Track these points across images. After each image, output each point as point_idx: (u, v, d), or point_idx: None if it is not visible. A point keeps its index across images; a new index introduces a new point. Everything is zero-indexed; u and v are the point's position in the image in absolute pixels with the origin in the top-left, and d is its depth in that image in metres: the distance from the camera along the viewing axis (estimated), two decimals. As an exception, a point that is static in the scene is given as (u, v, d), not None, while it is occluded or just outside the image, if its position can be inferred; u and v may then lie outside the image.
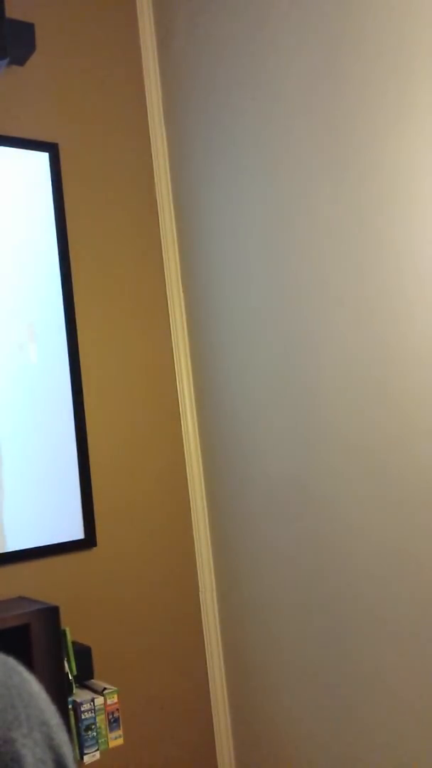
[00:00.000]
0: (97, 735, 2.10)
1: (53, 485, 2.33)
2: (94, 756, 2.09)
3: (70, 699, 2.08)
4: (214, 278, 2.53)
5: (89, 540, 2.38)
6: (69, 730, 2.05)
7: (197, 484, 2.62)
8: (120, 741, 2.15)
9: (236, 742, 2.53)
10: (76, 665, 2.15)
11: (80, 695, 2.12)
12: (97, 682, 2.20)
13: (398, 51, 1.85)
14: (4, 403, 2.29)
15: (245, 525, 2.45)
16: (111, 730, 2.12)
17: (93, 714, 2.09)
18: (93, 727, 2.09)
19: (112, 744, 2.13)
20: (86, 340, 2.48)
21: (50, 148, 2.48)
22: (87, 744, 2.08)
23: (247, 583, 2.45)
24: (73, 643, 2.18)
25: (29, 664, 1.96)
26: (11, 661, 0.55)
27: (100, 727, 2.10)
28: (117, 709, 2.14)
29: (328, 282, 2.09)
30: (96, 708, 2.10)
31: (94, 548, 2.40)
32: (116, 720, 2.14)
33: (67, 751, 0.53)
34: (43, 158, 2.46)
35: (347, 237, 2.02)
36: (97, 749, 2.10)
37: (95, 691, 2.15)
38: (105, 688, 2.15)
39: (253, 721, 2.46)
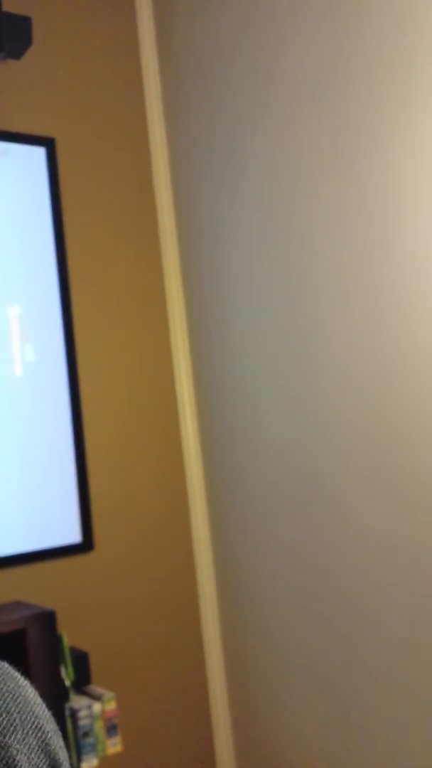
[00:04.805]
0: (94, 742, 2.06)
1: (50, 488, 2.30)
2: (91, 763, 2.06)
3: (67, 705, 2.05)
4: (214, 275, 2.49)
5: (86, 543, 2.35)
6: (66, 737, 2.01)
7: (196, 487, 2.58)
8: (118, 748, 2.11)
9: (236, 750, 2.49)
10: (74, 671, 2.12)
11: (77, 701, 2.09)
12: (95, 688, 2.17)
13: (402, 48, 1.83)
14: (0, 404, 2.25)
15: (245, 528, 2.41)
16: (109, 736, 2.09)
17: (90, 720, 2.06)
18: (90, 733, 2.05)
19: (110, 751, 2.10)
20: (83, 338, 2.44)
21: (47, 143, 2.45)
22: (84, 751, 2.05)
23: (248, 586, 2.41)
24: (70, 648, 2.15)
25: (25, 670, 1.92)
26: (6, 667, 0.55)
27: (97, 734, 2.07)
28: (115, 716, 2.11)
29: (330, 280, 2.06)
30: (93, 714, 2.07)
31: (92, 551, 2.37)
32: (114, 726, 2.10)
33: (63, 757, 0.53)
34: (39, 153, 2.43)
35: (349, 235, 2.00)
36: (95, 756, 2.06)
37: (93, 697, 2.12)
38: (103, 694, 2.12)
39: (253, 727, 2.42)
